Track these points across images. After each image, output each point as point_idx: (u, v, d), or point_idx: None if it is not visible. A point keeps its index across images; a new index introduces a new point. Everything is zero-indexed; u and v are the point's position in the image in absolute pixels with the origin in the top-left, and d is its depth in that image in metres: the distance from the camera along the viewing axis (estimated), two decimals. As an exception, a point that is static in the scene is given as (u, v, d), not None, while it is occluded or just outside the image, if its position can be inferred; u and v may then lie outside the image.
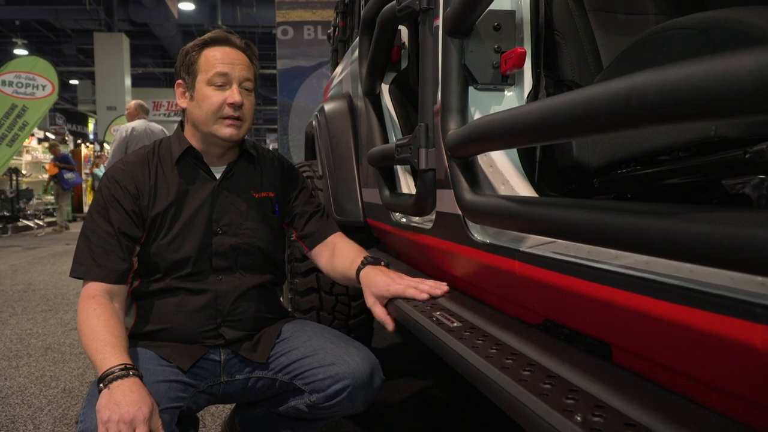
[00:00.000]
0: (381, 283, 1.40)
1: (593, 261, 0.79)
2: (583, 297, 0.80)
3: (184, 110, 1.52)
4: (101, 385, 1.17)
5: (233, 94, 1.42)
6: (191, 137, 1.52)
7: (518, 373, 0.80)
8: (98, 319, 1.29)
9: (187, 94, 1.48)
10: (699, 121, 0.51)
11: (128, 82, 18.29)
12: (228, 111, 1.42)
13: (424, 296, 1.31)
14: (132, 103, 6.04)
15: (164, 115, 20.03)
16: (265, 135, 31.45)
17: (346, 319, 2.41)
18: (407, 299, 1.30)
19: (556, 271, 0.85)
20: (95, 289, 1.36)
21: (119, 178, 1.46)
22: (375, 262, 1.49)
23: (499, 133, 0.87)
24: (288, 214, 1.66)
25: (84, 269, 1.39)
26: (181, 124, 1.56)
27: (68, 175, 10.91)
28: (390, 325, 1.35)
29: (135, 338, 1.44)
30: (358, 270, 1.49)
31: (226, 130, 1.43)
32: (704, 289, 0.59)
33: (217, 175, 1.53)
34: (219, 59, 1.43)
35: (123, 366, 1.19)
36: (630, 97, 0.55)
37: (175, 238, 1.46)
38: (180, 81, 1.49)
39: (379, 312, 1.38)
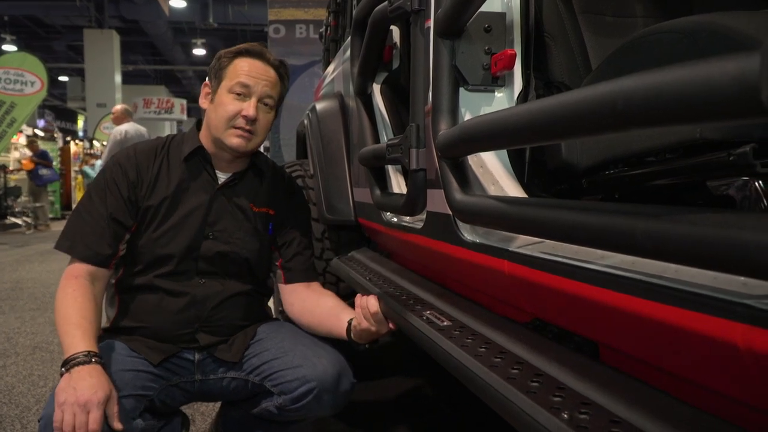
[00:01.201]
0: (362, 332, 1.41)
1: (580, 261, 0.80)
2: (570, 296, 0.81)
3: (203, 112, 1.54)
4: (63, 369, 1.19)
5: (249, 108, 1.43)
6: (204, 138, 1.53)
7: (507, 371, 0.81)
8: (74, 301, 1.31)
9: (209, 96, 1.50)
10: (683, 125, 0.53)
11: (118, 79, 18.20)
12: (240, 122, 1.44)
13: (369, 311, 1.36)
14: (119, 107, 6.83)
15: (155, 112, 19.93)
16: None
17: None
18: (398, 301, 1.31)
19: (544, 270, 0.86)
20: (79, 269, 1.38)
21: (123, 163, 1.47)
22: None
23: (489, 134, 0.88)
24: (281, 237, 1.64)
25: (69, 244, 1.41)
26: (198, 124, 1.57)
27: (43, 172, 10.73)
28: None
29: (112, 332, 1.46)
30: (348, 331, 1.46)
31: (234, 140, 1.45)
32: (688, 289, 0.60)
33: (221, 180, 1.53)
34: (246, 71, 1.45)
35: (87, 352, 1.21)
36: (616, 100, 0.56)
37: (165, 233, 1.46)
38: (207, 82, 1.52)
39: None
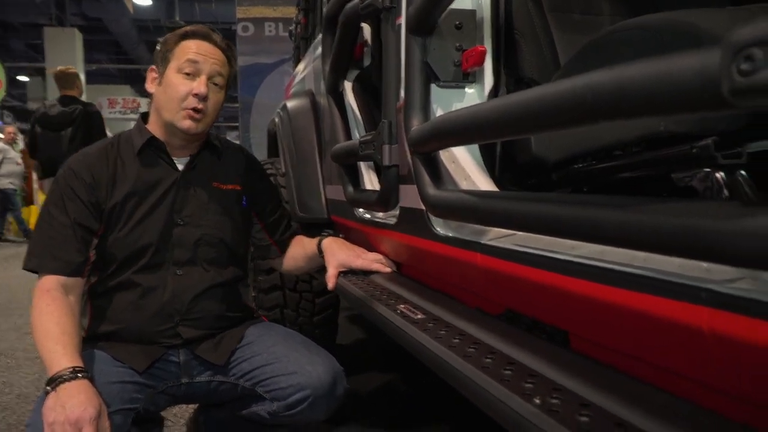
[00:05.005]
0: (344, 255, 1.59)
1: (551, 252, 0.82)
2: (541, 287, 0.83)
3: (152, 97, 1.50)
4: (48, 387, 1.16)
5: (200, 85, 1.41)
6: (154, 127, 1.50)
7: (480, 361, 0.82)
8: (50, 315, 1.27)
9: (157, 80, 1.48)
10: (649, 117, 0.55)
11: (82, 78, 17.79)
12: (192, 102, 1.41)
13: (388, 270, 1.53)
14: None
15: (120, 112, 19.52)
16: (226, 133, 31.00)
17: (311, 316, 2.41)
18: (372, 295, 1.32)
19: (516, 262, 0.88)
20: (50, 282, 1.34)
21: (76, 168, 1.43)
22: (334, 235, 1.62)
23: (461, 129, 0.90)
24: (261, 213, 1.70)
25: (38, 261, 1.36)
26: (143, 117, 1.55)
27: None
28: (332, 283, 1.56)
29: (90, 340, 1.41)
30: (319, 242, 1.64)
31: (185, 122, 1.42)
32: (654, 276, 0.63)
33: (180, 167, 1.51)
34: (193, 49, 1.44)
35: (72, 369, 1.18)
36: (585, 94, 0.58)
37: (134, 228, 1.43)
38: (153, 67, 1.49)
39: (332, 274, 1.57)
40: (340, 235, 1.59)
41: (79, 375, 1.17)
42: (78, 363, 1.20)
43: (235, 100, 10.58)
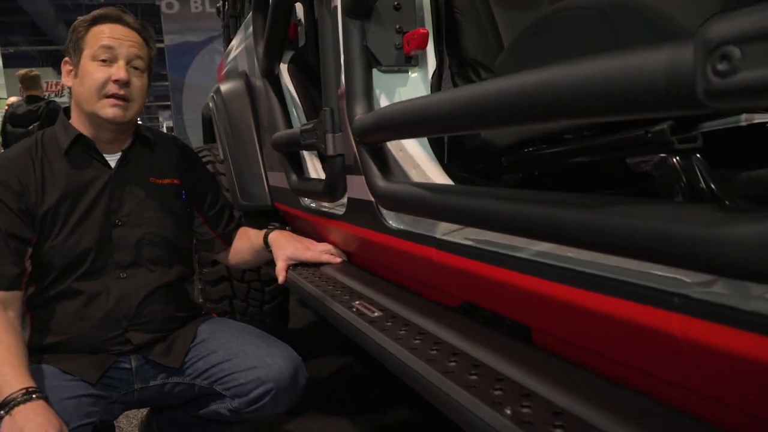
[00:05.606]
0: (293, 248, 1.55)
1: (510, 248, 0.79)
2: (501, 284, 0.80)
3: (71, 91, 1.40)
4: (2, 412, 1.10)
5: (119, 71, 1.32)
6: (78, 123, 1.40)
7: (444, 364, 0.79)
8: None
9: (72, 72, 1.37)
10: (613, 118, 0.51)
11: (-1, 63, 16.75)
12: (112, 88, 1.32)
13: (337, 260, 1.50)
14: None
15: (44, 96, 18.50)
16: (157, 112, 29.88)
17: (261, 306, 2.36)
18: (325, 291, 1.28)
19: (473, 258, 0.85)
20: None
21: (0, 175, 1.33)
22: (280, 228, 1.61)
23: (410, 123, 0.85)
24: (201, 207, 1.62)
25: None
26: (66, 112, 1.44)
27: None
28: (282, 277, 1.54)
29: (33, 354, 1.32)
30: (266, 235, 1.60)
31: (109, 110, 1.33)
32: (624, 279, 0.60)
33: (112, 163, 1.42)
34: (106, 34, 1.34)
35: (24, 390, 1.12)
36: (545, 92, 0.54)
37: (70, 234, 1.35)
38: (67, 59, 1.39)
39: (282, 267, 1.54)
40: (288, 228, 1.53)
41: (33, 396, 1.12)
42: (30, 383, 1.14)
43: (164, 79, 10.16)
